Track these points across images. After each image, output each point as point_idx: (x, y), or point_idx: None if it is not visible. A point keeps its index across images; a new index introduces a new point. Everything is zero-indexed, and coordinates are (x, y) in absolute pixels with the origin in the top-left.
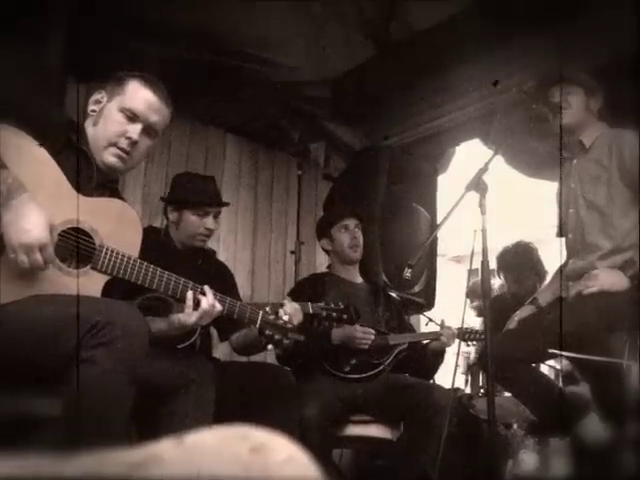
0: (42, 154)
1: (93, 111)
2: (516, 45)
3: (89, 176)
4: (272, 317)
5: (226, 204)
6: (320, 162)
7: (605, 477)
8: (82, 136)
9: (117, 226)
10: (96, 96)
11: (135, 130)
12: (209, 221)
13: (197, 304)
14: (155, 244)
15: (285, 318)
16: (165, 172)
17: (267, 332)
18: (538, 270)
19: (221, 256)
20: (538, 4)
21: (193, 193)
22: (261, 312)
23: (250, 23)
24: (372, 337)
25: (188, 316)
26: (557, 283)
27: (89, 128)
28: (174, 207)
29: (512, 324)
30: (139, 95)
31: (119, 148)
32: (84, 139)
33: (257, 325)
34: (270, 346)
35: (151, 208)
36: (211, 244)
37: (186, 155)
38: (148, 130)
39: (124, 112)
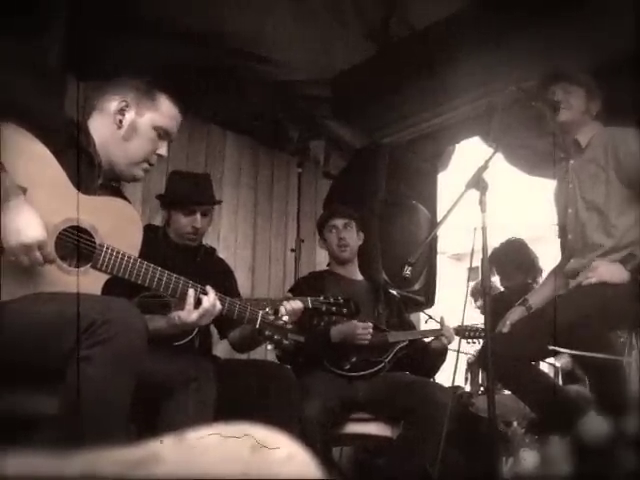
0: (43, 152)
1: (120, 121)
2: (516, 43)
3: (92, 175)
4: (272, 317)
5: (214, 202)
6: (320, 160)
7: (605, 475)
8: (85, 135)
9: (118, 225)
10: (120, 104)
11: (165, 147)
12: (196, 220)
13: (198, 303)
14: (153, 242)
15: (285, 319)
16: (165, 170)
17: (267, 332)
18: (528, 267)
19: (221, 254)
20: (538, 3)
21: (179, 192)
22: (261, 312)
23: (250, 22)
24: (371, 331)
25: (188, 314)
26: (551, 285)
27: (117, 141)
28: (164, 206)
29: (505, 327)
30: (171, 113)
31: (149, 164)
32: (86, 138)
33: (257, 325)
34: (270, 346)
35: (151, 206)
36: (211, 242)
37: (186, 153)
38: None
39: (157, 130)
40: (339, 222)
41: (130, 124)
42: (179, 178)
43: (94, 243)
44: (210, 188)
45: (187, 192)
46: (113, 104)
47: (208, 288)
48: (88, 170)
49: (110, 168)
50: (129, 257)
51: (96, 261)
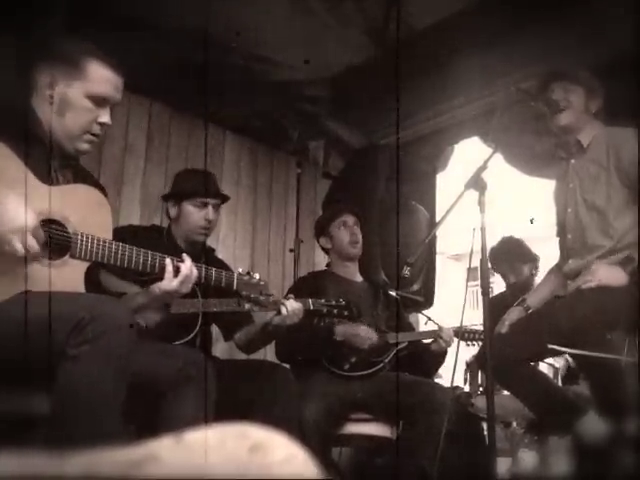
0: (4, 150)
1: (51, 96)
2: (515, 43)
3: (47, 159)
4: (246, 277)
5: (225, 196)
6: (319, 161)
7: (604, 475)
8: (33, 119)
9: (86, 211)
10: (47, 78)
11: (106, 114)
12: (209, 212)
13: (177, 272)
14: (158, 243)
15: (256, 276)
16: (164, 171)
17: (244, 293)
18: (531, 257)
19: (220, 254)
20: (538, 3)
21: (191, 185)
22: (235, 274)
23: (250, 22)
24: (372, 339)
25: (169, 282)
26: (549, 285)
27: (52, 116)
28: (174, 202)
29: (503, 328)
30: (103, 78)
31: (92, 134)
32: (35, 122)
33: (234, 287)
34: (247, 305)
35: (150, 207)
36: (210, 243)
37: (185, 154)
38: (112, 106)
39: (92, 98)
40: (350, 219)
41: (60, 98)
42: (187, 174)
43: (68, 233)
44: (217, 185)
45: (198, 185)
46: (43, 80)
47: (184, 256)
48: (43, 154)
49: (58, 147)
50: (104, 241)
51: (74, 250)
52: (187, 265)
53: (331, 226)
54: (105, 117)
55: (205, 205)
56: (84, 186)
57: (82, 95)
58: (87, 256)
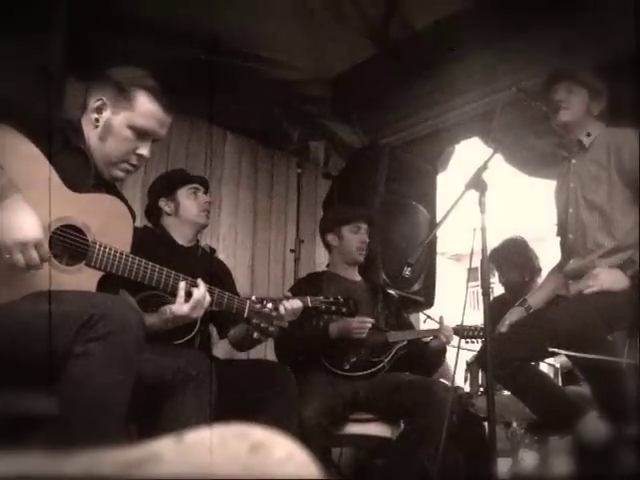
0: (34, 153)
1: (97, 120)
2: (516, 43)
3: (86, 175)
4: (258, 306)
5: (206, 181)
6: (320, 161)
7: (605, 475)
8: (80, 134)
9: (108, 221)
10: (96, 102)
11: (146, 147)
12: (202, 196)
13: (189, 295)
14: (155, 243)
15: (269, 306)
16: (165, 171)
17: (254, 321)
18: (523, 264)
19: (221, 254)
20: (539, 2)
21: (179, 177)
22: (248, 301)
23: (250, 22)
24: (369, 325)
25: (180, 306)
26: (551, 286)
27: (94, 140)
28: (167, 198)
29: (503, 328)
30: (149, 112)
31: (130, 164)
32: (82, 138)
33: (245, 314)
34: (256, 334)
35: None
36: (212, 242)
37: (186, 154)
38: (154, 140)
39: (134, 130)
40: (363, 226)
41: (105, 123)
42: (163, 177)
43: (87, 241)
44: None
45: (184, 176)
46: (92, 103)
47: (199, 280)
48: (83, 170)
49: (94, 169)
50: (121, 253)
51: (90, 259)
52: (200, 291)
53: (344, 227)
54: (144, 150)
55: (196, 190)
56: (109, 196)
57: (125, 125)
58: (102, 266)
